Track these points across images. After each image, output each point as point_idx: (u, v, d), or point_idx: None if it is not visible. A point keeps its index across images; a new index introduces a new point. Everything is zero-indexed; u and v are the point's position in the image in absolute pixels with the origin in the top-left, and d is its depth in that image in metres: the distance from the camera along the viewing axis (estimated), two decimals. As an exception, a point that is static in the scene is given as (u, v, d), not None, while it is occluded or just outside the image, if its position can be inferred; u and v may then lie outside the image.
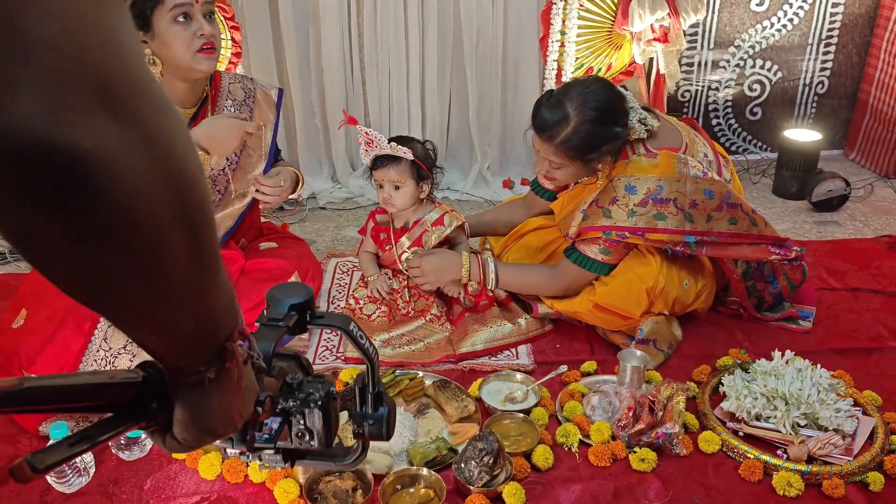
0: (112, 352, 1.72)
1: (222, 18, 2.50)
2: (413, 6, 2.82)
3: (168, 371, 0.59)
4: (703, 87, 3.27)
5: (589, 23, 2.74)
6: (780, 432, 1.64)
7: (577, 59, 2.78)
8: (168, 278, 0.49)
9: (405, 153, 1.95)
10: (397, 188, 2.04)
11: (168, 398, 0.60)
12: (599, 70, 2.83)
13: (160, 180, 0.44)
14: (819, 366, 1.75)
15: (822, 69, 3.31)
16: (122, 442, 1.57)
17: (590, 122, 1.81)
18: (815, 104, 3.38)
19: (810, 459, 1.59)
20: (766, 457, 1.58)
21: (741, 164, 3.31)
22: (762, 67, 3.27)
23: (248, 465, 1.53)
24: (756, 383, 1.72)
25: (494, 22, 2.91)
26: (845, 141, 3.45)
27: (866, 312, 2.19)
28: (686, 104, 3.29)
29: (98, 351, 1.71)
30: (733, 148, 3.42)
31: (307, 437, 0.74)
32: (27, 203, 0.40)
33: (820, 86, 3.34)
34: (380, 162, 2.01)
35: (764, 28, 3.18)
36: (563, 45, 2.73)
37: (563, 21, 2.70)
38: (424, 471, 1.52)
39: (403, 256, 2.10)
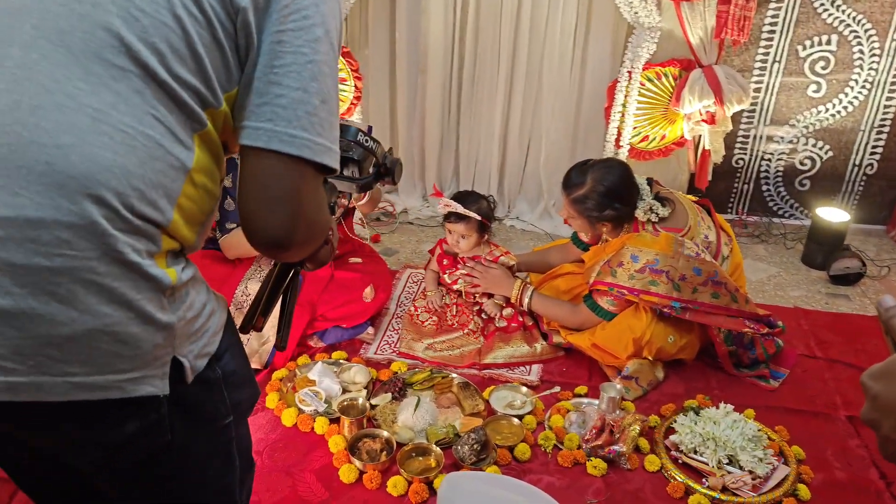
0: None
1: (350, 70, 3.17)
2: (504, 69, 3.39)
3: None
4: (756, 156, 3.66)
5: (648, 99, 3.23)
6: (708, 465, 2.14)
7: (636, 127, 3.27)
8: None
9: (473, 215, 2.55)
10: (463, 237, 2.65)
11: None
12: (654, 139, 3.32)
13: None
14: (752, 420, 2.23)
15: (873, 153, 3.59)
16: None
17: (598, 193, 2.38)
18: (862, 182, 3.67)
19: (724, 490, 2.08)
20: (689, 482, 2.08)
21: (779, 227, 3.68)
22: (814, 146, 3.60)
23: (314, 420, 2.21)
24: (699, 425, 2.22)
25: (570, 88, 3.44)
26: (890, 219, 3.74)
27: (832, 382, 2.54)
28: (739, 171, 3.69)
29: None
30: (780, 211, 3.78)
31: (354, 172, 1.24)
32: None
33: (869, 167, 3.63)
34: (451, 218, 2.62)
35: (819, 112, 3.51)
36: (623, 116, 3.23)
37: (626, 96, 3.19)
38: (434, 447, 2.15)
39: (460, 275, 2.70)
